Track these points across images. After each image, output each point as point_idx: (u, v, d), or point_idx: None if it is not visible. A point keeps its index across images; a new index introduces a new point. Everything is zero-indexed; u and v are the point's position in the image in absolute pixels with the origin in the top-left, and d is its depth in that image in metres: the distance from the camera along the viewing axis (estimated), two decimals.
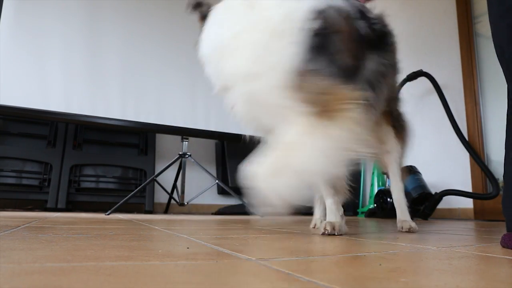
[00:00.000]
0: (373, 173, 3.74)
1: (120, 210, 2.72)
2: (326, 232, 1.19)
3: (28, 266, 0.56)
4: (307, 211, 1.53)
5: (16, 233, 1.04)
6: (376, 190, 3.52)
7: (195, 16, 1.50)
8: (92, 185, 3.22)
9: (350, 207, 3.89)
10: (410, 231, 1.47)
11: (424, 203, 2.94)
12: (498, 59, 0.98)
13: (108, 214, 2.42)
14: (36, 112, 2.81)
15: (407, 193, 2.99)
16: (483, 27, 3.27)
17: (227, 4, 1.17)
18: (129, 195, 2.75)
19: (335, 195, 1.27)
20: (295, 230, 1.45)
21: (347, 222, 1.32)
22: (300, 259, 0.72)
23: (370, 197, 3.64)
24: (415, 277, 0.56)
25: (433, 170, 3.41)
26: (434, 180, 3.30)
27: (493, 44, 1.00)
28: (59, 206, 2.96)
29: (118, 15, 3.23)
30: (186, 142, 3.29)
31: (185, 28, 3.29)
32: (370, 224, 2.10)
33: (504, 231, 0.98)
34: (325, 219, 1.30)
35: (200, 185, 3.52)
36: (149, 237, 1.10)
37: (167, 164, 3.17)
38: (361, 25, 1.19)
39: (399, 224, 1.55)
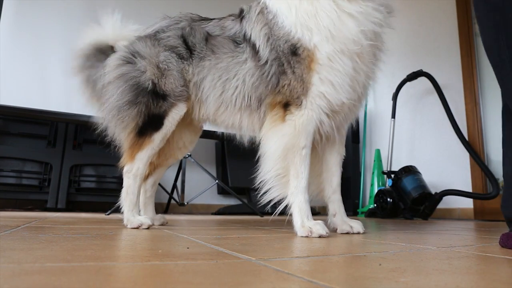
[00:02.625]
0: (373, 173, 3.74)
1: (120, 210, 2.71)
2: None
3: (28, 266, 0.56)
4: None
5: (16, 233, 1.04)
6: (376, 190, 3.52)
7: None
8: (92, 185, 3.21)
9: (350, 207, 3.89)
10: None
11: (424, 203, 2.94)
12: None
13: (108, 214, 2.41)
14: (36, 112, 2.81)
15: (407, 193, 3.03)
16: None
17: None
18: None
19: None
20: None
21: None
22: (300, 259, 0.72)
23: (370, 197, 3.64)
24: (415, 277, 0.56)
25: (433, 170, 3.41)
26: (434, 180, 3.30)
27: None
28: (59, 206, 2.96)
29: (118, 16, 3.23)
30: None
31: None
32: (370, 224, 2.10)
33: (503, 231, 0.98)
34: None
35: (200, 185, 3.52)
36: (149, 237, 1.10)
37: None
38: None
39: None
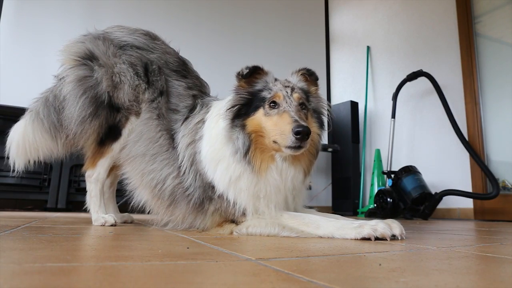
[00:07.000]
0: (373, 173, 3.74)
1: (120, 210, 2.71)
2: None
3: (28, 266, 0.56)
4: None
5: (16, 233, 1.04)
6: (376, 190, 3.52)
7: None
8: None
9: (350, 207, 3.89)
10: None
11: (424, 203, 2.94)
12: None
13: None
14: None
15: (407, 193, 3.03)
16: (483, 27, 3.27)
17: None
18: (130, 194, 2.74)
19: None
20: None
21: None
22: (300, 259, 0.72)
23: (370, 197, 3.64)
24: (415, 277, 0.56)
25: (433, 170, 3.41)
26: (434, 180, 3.30)
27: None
28: (59, 206, 2.96)
29: (118, 13, 3.23)
30: None
31: (184, 30, 3.29)
32: None
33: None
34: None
35: None
36: (149, 237, 1.10)
37: None
38: None
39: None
